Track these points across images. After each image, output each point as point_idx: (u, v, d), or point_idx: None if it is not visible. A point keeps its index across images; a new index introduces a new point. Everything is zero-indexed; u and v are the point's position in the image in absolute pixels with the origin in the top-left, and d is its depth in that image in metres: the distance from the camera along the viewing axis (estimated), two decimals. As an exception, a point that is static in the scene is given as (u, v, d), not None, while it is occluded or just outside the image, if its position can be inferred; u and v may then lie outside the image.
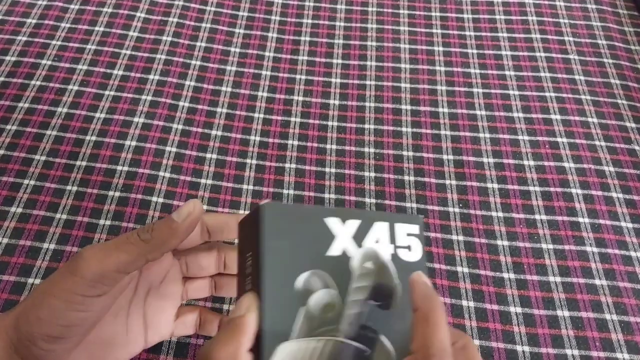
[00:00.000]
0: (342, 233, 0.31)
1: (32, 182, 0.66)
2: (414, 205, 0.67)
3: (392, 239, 0.33)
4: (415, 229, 0.34)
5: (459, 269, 0.63)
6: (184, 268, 0.45)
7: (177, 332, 0.47)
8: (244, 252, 0.31)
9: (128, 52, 0.80)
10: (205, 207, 0.66)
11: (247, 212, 0.37)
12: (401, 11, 0.88)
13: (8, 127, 0.71)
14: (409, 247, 0.33)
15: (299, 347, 0.27)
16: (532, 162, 0.71)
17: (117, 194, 0.66)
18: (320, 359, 0.27)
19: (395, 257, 0.32)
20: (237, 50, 0.82)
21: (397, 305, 0.32)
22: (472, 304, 0.60)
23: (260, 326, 0.27)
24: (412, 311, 0.29)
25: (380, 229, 0.32)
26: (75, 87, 0.76)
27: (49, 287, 0.33)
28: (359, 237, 0.32)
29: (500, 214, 0.67)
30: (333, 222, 0.31)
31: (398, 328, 0.31)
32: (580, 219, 0.67)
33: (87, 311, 0.33)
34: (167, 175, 0.68)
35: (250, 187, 0.68)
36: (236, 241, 0.35)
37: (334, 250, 0.31)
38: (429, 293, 0.29)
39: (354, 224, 0.32)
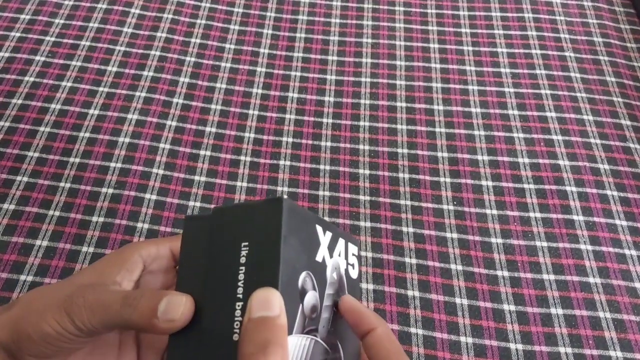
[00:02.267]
0: (323, 242, 0.34)
1: (25, 179, 0.66)
2: (408, 202, 0.67)
3: (346, 256, 0.37)
4: (356, 250, 0.38)
5: (453, 266, 0.63)
6: None
7: None
8: (231, 240, 0.31)
9: (122, 48, 0.80)
10: (198, 204, 0.66)
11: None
12: (397, 8, 0.88)
13: (1, 123, 0.71)
14: (353, 265, 0.37)
15: (296, 342, 0.29)
16: (527, 160, 0.71)
17: (111, 190, 0.66)
18: (306, 355, 0.29)
19: (346, 272, 0.36)
20: (232, 46, 0.82)
21: None
22: (465, 301, 0.60)
23: None
24: (362, 332, 0.32)
25: (341, 245, 0.36)
26: (69, 84, 0.75)
27: (44, 312, 0.33)
28: (330, 248, 0.35)
29: (495, 212, 0.67)
30: (319, 230, 0.33)
31: (347, 336, 0.34)
32: (575, 217, 0.67)
33: (76, 344, 0.33)
34: (161, 172, 0.68)
35: (244, 184, 0.68)
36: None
37: (319, 256, 0.33)
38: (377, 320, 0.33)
39: (328, 236, 0.35)
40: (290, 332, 0.28)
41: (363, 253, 0.63)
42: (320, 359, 0.31)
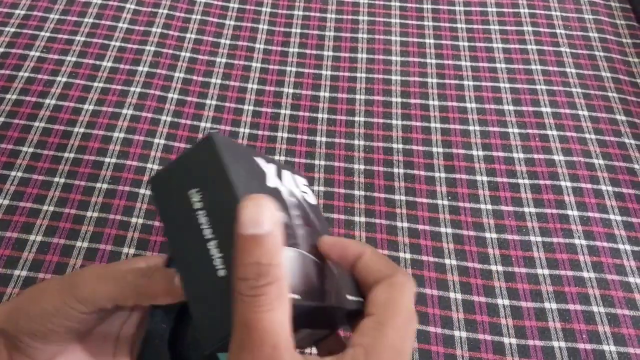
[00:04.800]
0: (268, 171, 0.34)
1: (20, 174, 0.66)
2: (403, 197, 0.67)
3: (296, 185, 0.37)
4: (305, 181, 0.39)
5: (447, 261, 0.63)
6: None
7: None
8: (182, 192, 0.30)
9: (117, 43, 0.79)
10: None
11: None
12: (393, 3, 0.87)
13: (-5, 118, 0.71)
14: (307, 193, 0.38)
15: (285, 254, 0.29)
16: (521, 155, 0.71)
17: (105, 186, 0.66)
18: (296, 265, 0.29)
19: (304, 199, 0.36)
20: (227, 42, 0.81)
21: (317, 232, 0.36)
22: (459, 296, 0.60)
23: None
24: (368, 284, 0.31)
25: (287, 176, 0.36)
26: (64, 79, 0.75)
27: (46, 290, 0.33)
28: (278, 177, 0.35)
29: (489, 207, 0.67)
30: (260, 161, 0.34)
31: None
32: (569, 212, 0.67)
33: (73, 322, 0.33)
34: (155, 167, 0.68)
35: (239, 179, 0.68)
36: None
37: (269, 182, 0.33)
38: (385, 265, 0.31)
39: (272, 167, 0.34)
40: None
41: (357, 248, 0.63)
42: (314, 269, 0.31)
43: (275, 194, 0.32)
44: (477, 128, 0.74)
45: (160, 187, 0.31)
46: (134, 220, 0.64)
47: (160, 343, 0.35)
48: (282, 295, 0.23)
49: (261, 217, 0.23)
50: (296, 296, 0.27)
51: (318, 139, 0.72)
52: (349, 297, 0.32)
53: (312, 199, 0.37)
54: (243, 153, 0.31)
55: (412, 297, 0.28)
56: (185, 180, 0.30)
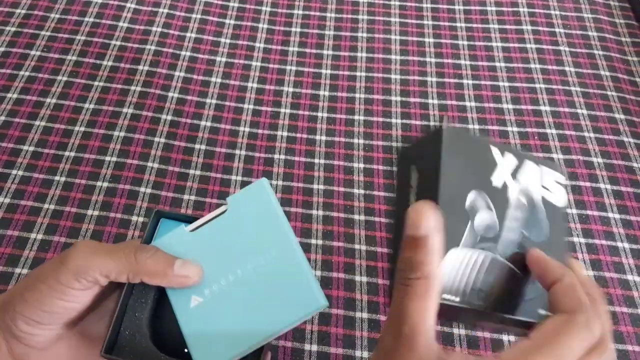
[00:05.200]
0: (501, 163, 0.34)
1: (20, 173, 0.66)
2: (403, 196, 0.67)
3: (541, 181, 0.36)
4: (561, 178, 0.37)
5: (446, 259, 0.63)
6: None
7: None
8: (408, 168, 0.33)
9: (118, 42, 0.80)
10: (193, 197, 0.66)
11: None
12: (392, 2, 0.88)
13: (-4, 117, 0.71)
14: (554, 192, 0.36)
15: (464, 254, 0.30)
16: (521, 154, 0.71)
17: (105, 184, 0.66)
18: (480, 268, 0.31)
19: (543, 199, 0.35)
20: (227, 41, 0.82)
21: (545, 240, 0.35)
22: (458, 294, 0.61)
23: None
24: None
25: (530, 168, 0.36)
26: (65, 78, 0.75)
27: (39, 272, 0.34)
28: (514, 170, 0.34)
29: (488, 205, 0.67)
30: (495, 152, 0.34)
31: None
32: (568, 210, 0.67)
33: (68, 301, 0.33)
34: (156, 166, 0.68)
35: (239, 178, 0.68)
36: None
37: (495, 177, 0.33)
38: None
39: (509, 158, 0.34)
40: (454, 245, 0.30)
41: (357, 246, 0.63)
42: (503, 274, 0.31)
43: (497, 191, 0.33)
44: (477, 127, 0.74)
45: (400, 161, 0.34)
46: (134, 218, 0.64)
47: (137, 334, 0.35)
48: (428, 290, 0.26)
49: (420, 222, 0.27)
50: (451, 297, 0.29)
51: (318, 137, 0.72)
52: (541, 311, 0.33)
53: (559, 200, 0.36)
54: (474, 145, 0.33)
55: (583, 342, 0.27)
56: (412, 159, 0.33)
